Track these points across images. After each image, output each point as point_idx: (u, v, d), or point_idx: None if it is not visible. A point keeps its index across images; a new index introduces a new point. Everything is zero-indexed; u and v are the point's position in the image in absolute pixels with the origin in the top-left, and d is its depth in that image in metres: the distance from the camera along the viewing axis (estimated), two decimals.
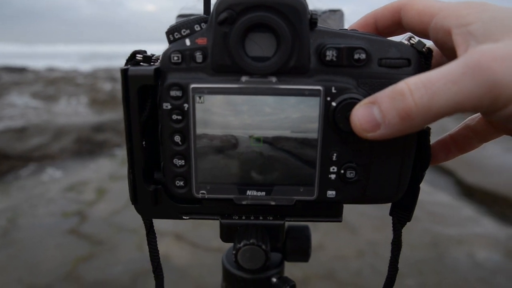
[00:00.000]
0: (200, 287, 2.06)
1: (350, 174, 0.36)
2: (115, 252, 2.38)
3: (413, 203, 0.40)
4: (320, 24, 0.34)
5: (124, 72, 0.35)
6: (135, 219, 1.89)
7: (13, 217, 2.82)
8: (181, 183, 0.37)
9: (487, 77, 0.26)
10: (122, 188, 3.29)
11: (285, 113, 0.34)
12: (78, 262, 2.27)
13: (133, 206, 0.40)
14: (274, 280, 0.49)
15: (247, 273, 0.49)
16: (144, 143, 0.37)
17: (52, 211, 2.93)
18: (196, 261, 2.28)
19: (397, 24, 0.37)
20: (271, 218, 0.41)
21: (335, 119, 0.33)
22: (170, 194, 0.39)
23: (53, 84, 8.06)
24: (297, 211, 0.40)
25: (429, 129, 0.36)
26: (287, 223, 0.43)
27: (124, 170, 3.41)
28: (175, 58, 0.34)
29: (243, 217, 0.41)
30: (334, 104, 0.33)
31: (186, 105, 0.34)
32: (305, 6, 0.32)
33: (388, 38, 0.35)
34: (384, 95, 0.29)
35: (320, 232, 2.52)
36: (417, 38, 0.35)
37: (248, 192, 0.37)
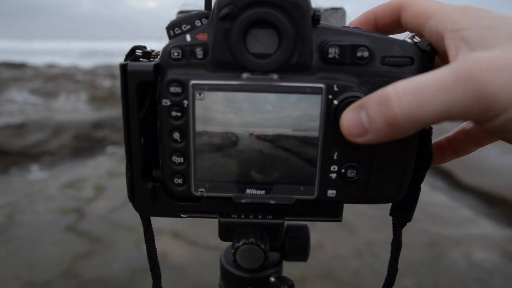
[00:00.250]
0: (198, 285, 2.06)
1: (351, 173, 0.36)
2: (113, 250, 2.38)
3: (413, 203, 0.39)
4: (322, 22, 0.33)
5: (123, 67, 0.34)
6: (133, 217, 1.89)
7: (11, 213, 2.81)
8: (180, 180, 0.37)
9: (479, 87, 0.25)
10: (120, 186, 3.28)
11: (286, 111, 0.34)
12: (76, 259, 2.26)
13: (131, 203, 0.39)
14: (273, 279, 0.49)
15: (246, 272, 0.48)
16: (142, 140, 0.37)
17: (50, 208, 2.92)
18: (194, 259, 2.28)
19: (397, 23, 0.37)
20: (270, 217, 0.40)
21: (337, 118, 0.33)
22: (168, 192, 0.39)
23: (53, 80, 8.03)
24: (297, 210, 0.39)
25: (430, 129, 0.36)
26: (286, 222, 0.43)
27: (122, 168, 3.41)
28: (175, 53, 0.34)
29: (242, 216, 0.40)
30: (336, 102, 0.33)
31: (185, 102, 0.34)
32: (308, 2, 0.31)
33: (390, 36, 0.35)
34: (372, 100, 0.29)
35: (318, 232, 2.52)
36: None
37: (248, 191, 0.37)
